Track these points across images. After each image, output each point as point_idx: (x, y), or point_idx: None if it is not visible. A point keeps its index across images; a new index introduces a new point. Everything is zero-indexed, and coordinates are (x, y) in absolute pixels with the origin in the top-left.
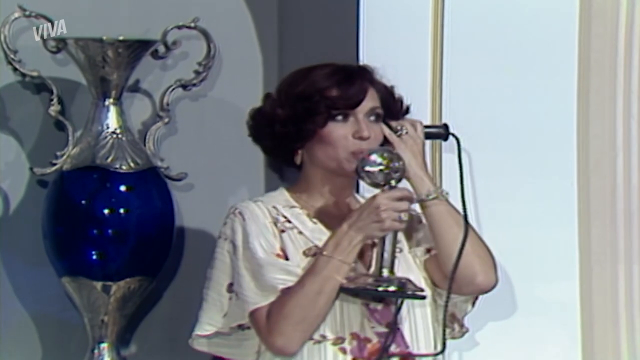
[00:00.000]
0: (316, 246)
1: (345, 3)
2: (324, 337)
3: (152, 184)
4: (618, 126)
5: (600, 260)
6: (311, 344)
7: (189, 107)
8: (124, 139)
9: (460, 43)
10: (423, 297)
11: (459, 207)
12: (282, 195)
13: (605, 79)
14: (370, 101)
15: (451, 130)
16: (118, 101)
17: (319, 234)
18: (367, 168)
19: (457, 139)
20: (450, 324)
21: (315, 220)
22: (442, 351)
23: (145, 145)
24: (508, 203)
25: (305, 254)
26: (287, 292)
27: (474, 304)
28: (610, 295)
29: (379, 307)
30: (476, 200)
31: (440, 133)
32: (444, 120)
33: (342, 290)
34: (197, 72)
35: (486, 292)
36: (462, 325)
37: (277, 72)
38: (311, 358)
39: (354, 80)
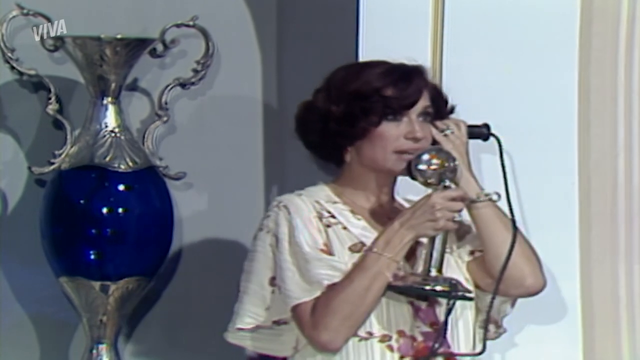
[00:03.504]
0: (362, 243)
1: (344, 2)
2: (370, 334)
3: (151, 183)
4: (619, 125)
5: (601, 260)
6: (357, 341)
7: (187, 106)
8: (122, 138)
9: (460, 41)
10: (471, 299)
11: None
12: (323, 191)
13: (606, 78)
14: (424, 101)
15: (492, 130)
16: (116, 100)
17: (364, 230)
18: (421, 167)
19: (498, 139)
20: (488, 322)
21: (359, 216)
22: (482, 352)
23: (143, 144)
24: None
25: (351, 250)
26: (334, 288)
27: (513, 305)
28: (611, 295)
29: (424, 306)
30: None
31: (482, 133)
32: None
33: (390, 288)
34: (196, 71)
35: (535, 294)
36: (499, 327)
37: (275, 70)
38: (357, 355)
39: (410, 80)
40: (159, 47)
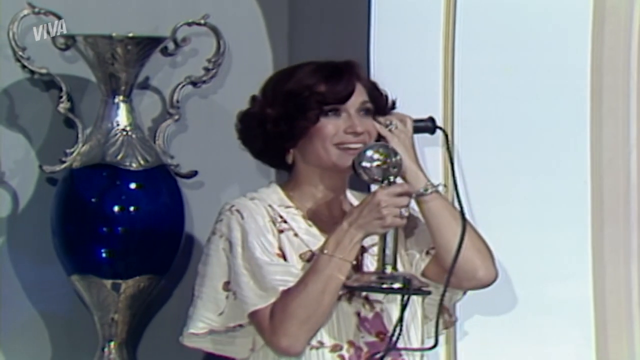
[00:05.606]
0: (311, 251)
1: (356, 1)
2: (321, 343)
3: (162, 182)
4: (631, 124)
5: (614, 259)
6: (308, 350)
7: (198, 104)
8: (133, 136)
9: (472, 40)
10: (429, 293)
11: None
12: (276, 194)
13: (619, 76)
14: (360, 95)
15: (438, 123)
16: (128, 98)
17: (313, 237)
18: (364, 164)
19: (445, 133)
20: (440, 314)
21: (310, 222)
22: (435, 346)
23: (155, 142)
24: (521, 202)
25: (301, 257)
26: (289, 293)
27: (464, 292)
28: (624, 294)
29: (370, 316)
30: (489, 200)
31: (427, 127)
32: (455, 120)
33: (347, 288)
34: (207, 69)
35: (487, 286)
36: (451, 315)
37: None
38: None
39: (341, 74)
40: (170, 46)
